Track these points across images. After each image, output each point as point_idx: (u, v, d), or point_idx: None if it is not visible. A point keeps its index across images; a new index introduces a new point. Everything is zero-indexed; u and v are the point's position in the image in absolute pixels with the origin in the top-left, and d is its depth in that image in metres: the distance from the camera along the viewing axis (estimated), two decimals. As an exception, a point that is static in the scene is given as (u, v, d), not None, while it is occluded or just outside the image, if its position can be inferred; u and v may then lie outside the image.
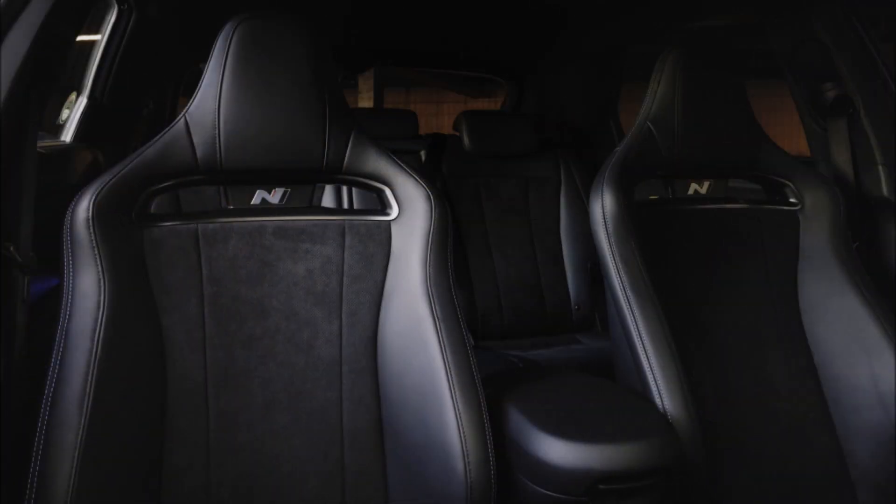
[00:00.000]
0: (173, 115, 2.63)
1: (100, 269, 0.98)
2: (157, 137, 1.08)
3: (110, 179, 1.02)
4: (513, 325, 2.34)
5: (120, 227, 1.02)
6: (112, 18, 1.84)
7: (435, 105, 9.97)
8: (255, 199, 1.16)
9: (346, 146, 1.15)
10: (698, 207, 1.44)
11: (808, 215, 1.45)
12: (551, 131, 2.89)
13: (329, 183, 1.19)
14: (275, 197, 1.16)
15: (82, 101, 1.80)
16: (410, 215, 1.15)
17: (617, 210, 1.28)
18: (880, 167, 1.60)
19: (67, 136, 1.75)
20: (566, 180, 2.52)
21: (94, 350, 0.95)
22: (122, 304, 0.99)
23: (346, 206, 2.23)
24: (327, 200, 2.18)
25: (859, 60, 1.60)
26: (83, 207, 0.99)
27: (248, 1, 1.25)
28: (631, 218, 1.29)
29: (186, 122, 1.08)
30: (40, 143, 1.17)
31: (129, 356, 0.99)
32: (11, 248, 1.02)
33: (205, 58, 1.11)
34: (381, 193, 1.18)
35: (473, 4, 2.05)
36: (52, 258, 1.09)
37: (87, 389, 0.93)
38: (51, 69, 1.15)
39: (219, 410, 1.07)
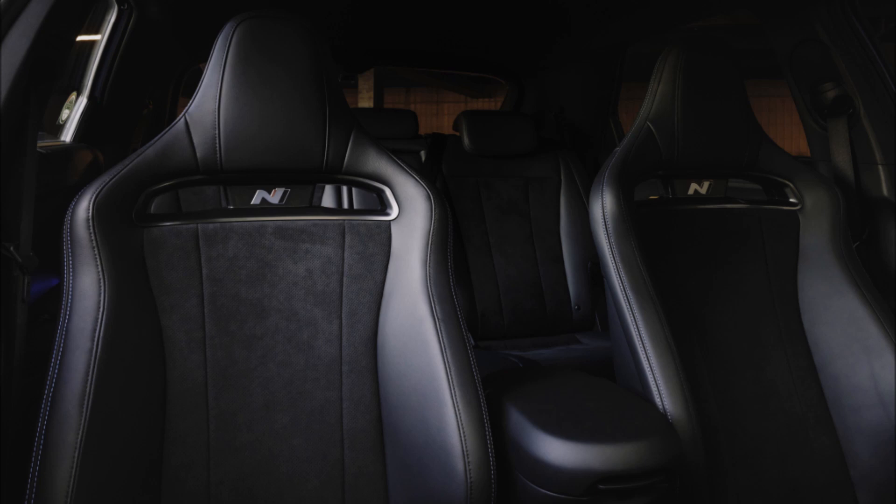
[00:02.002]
0: (173, 115, 2.64)
1: (100, 269, 0.98)
2: (157, 137, 1.08)
3: (110, 179, 1.02)
4: (513, 325, 2.34)
5: (120, 226, 1.02)
6: (112, 18, 1.84)
7: (435, 105, 9.98)
8: (255, 199, 1.16)
9: (346, 146, 1.15)
10: (698, 207, 1.44)
11: (808, 215, 1.45)
12: (551, 131, 2.89)
13: (329, 183, 1.19)
14: (275, 197, 1.16)
15: (82, 101, 1.80)
16: (410, 215, 1.15)
17: (617, 210, 1.28)
18: (880, 167, 1.60)
19: (67, 136, 1.75)
20: (566, 180, 2.52)
21: (94, 350, 0.95)
22: (122, 304, 0.99)
23: (346, 206, 2.24)
24: (327, 200, 2.19)
25: (859, 60, 1.60)
26: (83, 207, 0.99)
27: (248, 1, 1.25)
28: (631, 218, 1.29)
29: (186, 123, 1.08)
30: (40, 143, 1.17)
31: (129, 356, 0.99)
32: (11, 248, 1.02)
33: (205, 58, 1.11)
34: (381, 193, 1.18)
35: (474, 5, 2.05)
36: (52, 258, 1.09)
37: (87, 389, 0.93)
38: (51, 69, 1.15)
39: (219, 410, 1.07)
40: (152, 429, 1.02)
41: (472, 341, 1.86)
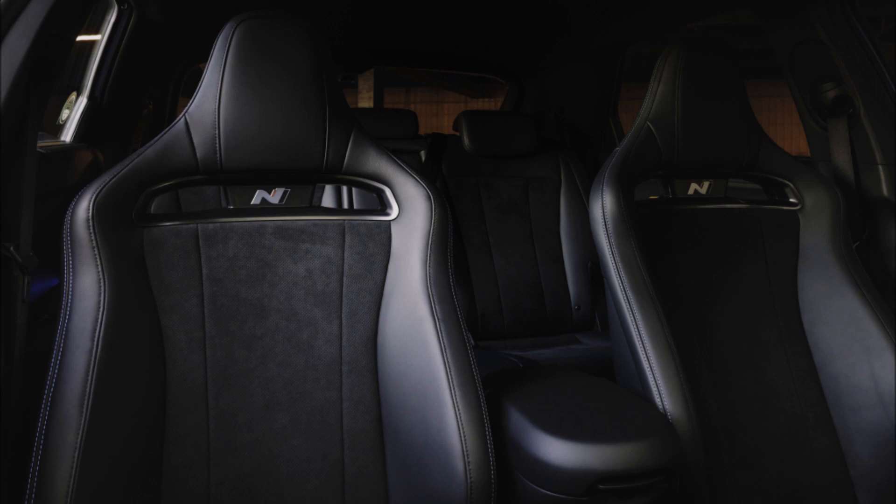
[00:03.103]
0: (173, 115, 2.64)
1: (100, 269, 0.98)
2: (157, 137, 1.08)
3: (110, 179, 1.03)
4: (513, 325, 2.34)
5: (120, 226, 1.02)
6: (112, 18, 1.84)
7: (435, 105, 9.99)
8: (255, 199, 1.16)
9: (346, 146, 1.15)
10: (698, 207, 1.44)
11: (808, 215, 1.45)
12: (551, 131, 2.89)
13: (329, 183, 1.19)
14: (275, 197, 1.16)
15: (82, 101, 1.80)
16: (410, 215, 1.15)
17: (617, 210, 1.28)
18: (880, 167, 1.60)
19: (67, 136, 1.75)
20: (566, 180, 2.52)
21: (94, 350, 0.95)
22: (122, 304, 0.99)
23: (346, 206, 2.24)
24: (327, 200, 2.19)
25: (859, 60, 1.60)
26: (83, 207, 0.99)
27: (248, 1, 1.25)
28: (631, 218, 1.29)
29: (186, 123, 1.09)
30: (40, 143, 1.17)
31: (129, 356, 0.99)
32: (11, 248, 1.02)
33: (205, 58, 1.11)
34: (381, 193, 1.18)
35: (474, 5, 2.05)
36: (52, 258, 1.09)
37: (87, 389, 0.93)
38: (51, 69, 1.15)
39: (219, 410, 1.07)
40: (152, 429, 1.02)
41: (472, 341, 1.86)
